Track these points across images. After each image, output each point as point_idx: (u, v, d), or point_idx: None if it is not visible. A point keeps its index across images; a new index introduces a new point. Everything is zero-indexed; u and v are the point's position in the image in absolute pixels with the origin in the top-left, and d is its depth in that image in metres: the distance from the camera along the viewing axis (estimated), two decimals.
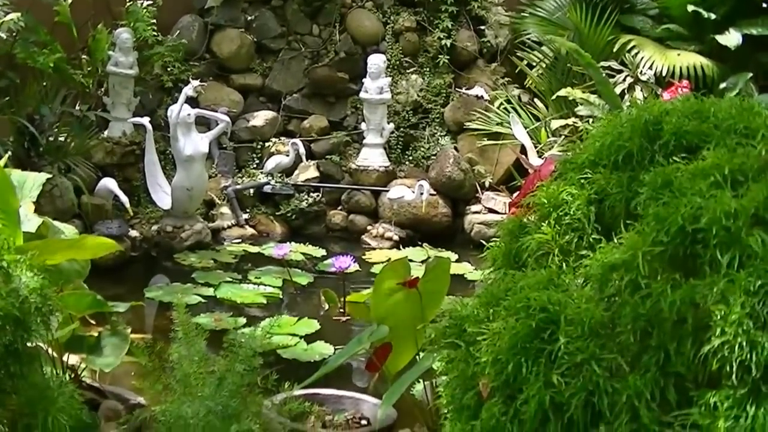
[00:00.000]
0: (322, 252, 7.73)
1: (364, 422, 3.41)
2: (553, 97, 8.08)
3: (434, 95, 8.99)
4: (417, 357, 3.18)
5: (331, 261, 6.43)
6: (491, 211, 8.37)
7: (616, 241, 2.07)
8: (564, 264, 2.26)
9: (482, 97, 8.68)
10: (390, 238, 8.17)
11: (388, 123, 8.61)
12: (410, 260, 7.59)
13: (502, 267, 2.49)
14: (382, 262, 7.49)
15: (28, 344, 2.36)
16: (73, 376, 2.99)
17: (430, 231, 8.30)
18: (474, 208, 8.46)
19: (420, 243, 8.11)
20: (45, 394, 2.36)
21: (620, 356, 1.90)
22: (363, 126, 8.62)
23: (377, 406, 3.46)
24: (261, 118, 8.80)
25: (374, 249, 8.03)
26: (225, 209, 8.09)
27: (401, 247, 8.06)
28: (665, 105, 2.35)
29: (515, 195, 3.47)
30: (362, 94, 8.54)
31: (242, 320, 5.82)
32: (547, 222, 2.37)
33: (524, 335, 1.95)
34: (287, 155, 8.35)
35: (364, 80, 8.55)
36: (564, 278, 2.15)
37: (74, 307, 2.93)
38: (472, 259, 7.79)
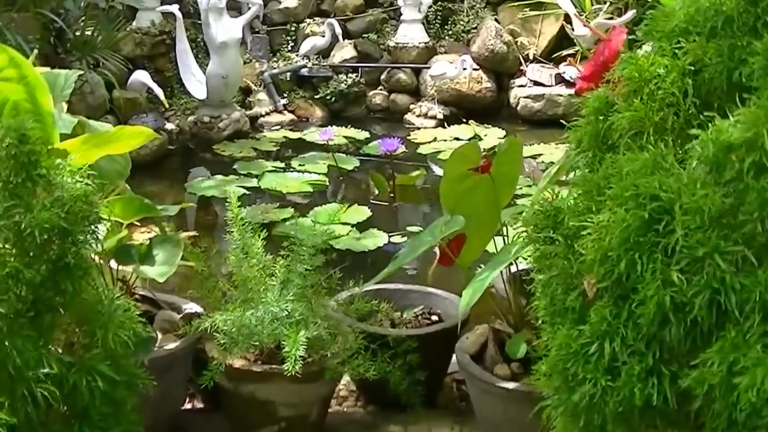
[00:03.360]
0: (365, 134, 7.51)
1: (434, 318, 3.21)
2: None
3: None
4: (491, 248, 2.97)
5: (378, 143, 6.18)
6: (537, 83, 8.07)
7: (732, 118, 1.81)
8: (664, 144, 2.01)
9: None
10: (434, 117, 7.92)
11: None
12: (457, 138, 7.44)
13: (590, 149, 2.25)
14: (428, 142, 7.29)
15: (77, 257, 2.15)
16: (125, 288, 2.80)
17: (474, 107, 8.05)
18: (519, 81, 8.17)
19: (465, 120, 7.86)
20: (101, 310, 2.17)
21: (746, 248, 1.67)
22: (400, 1, 8.28)
23: (448, 300, 3.27)
24: None
25: (418, 129, 7.80)
26: (262, 95, 7.84)
27: (446, 125, 7.81)
28: None
29: (585, 67, 3.19)
30: None
31: (289, 210, 5.61)
32: (639, 98, 2.12)
33: (636, 228, 1.72)
34: (323, 36, 8.06)
35: None
36: (667, 160, 1.90)
37: (122, 214, 2.73)
38: (521, 135, 7.55)
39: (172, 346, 2.77)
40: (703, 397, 1.65)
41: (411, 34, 8.23)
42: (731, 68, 1.96)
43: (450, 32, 8.51)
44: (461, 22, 8.51)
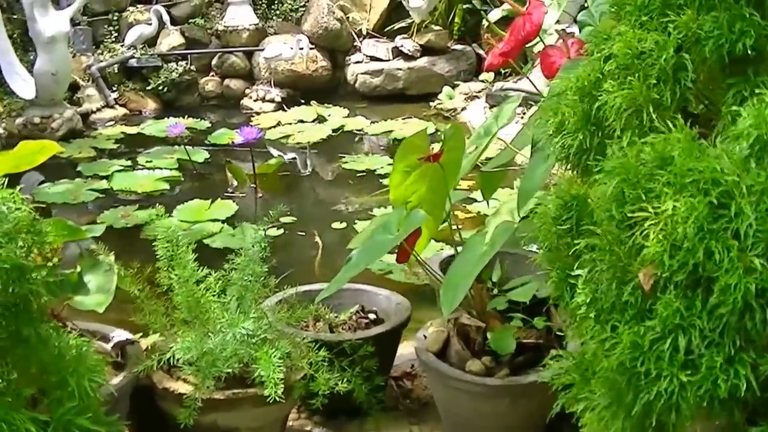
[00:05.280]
0: (206, 124, 7.22)
1: (371, 316, 3.05)
2: None
3: None
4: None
5: (236, 133, 5.93)
6: (374, 59, 7.97)
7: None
8: (672, 123, 1.91)
9: None
10: (272, 100, 7.72)
11: None
12: (301, 121, 7.26)
13: (577, 131, 2.14)
14: (273, 127, 7.08)
15: (37, 298, 1.90)
16: (58, 322, 2.52)
17: (311, 87, 7.89)
18: (355, 58, 8.06)
19: (304, 101, 7.68)
20: (68, 356, 1.92)
21: None
22: None
23: (382, 296, 3.12)
24: None
25: (257, 113, 7.58)
26: (91, 90, 7.44)
27: (285, 107, 7.61)
28: None
29: (502, 43, 3.08)
30: None
31: (153, 211, 5.30)
32: (633, 75, 2.02)
33: (706, 215, 1.61)
34: (149, 23, 7.71)
35: None
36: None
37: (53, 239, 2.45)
38: (363, 112, 7.45)
39: (115, 381, 2.50)
40: None
41: (240, 16, 7.98)
42: (732, 41, 1.88)
43: (278, 12, 8.28)
44: (288, 1, 8.30)
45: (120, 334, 2.72)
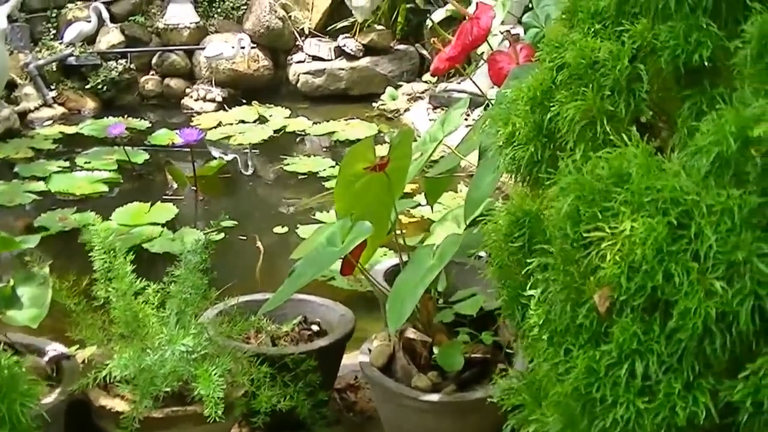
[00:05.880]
0: (146, 124, 7.08)
1: (314, 327, 2.98)
2: None
3: None
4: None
5: (176, 134, 5.81)
6: (316, 58, 7.87)
7: (735, 103, 1.68)
8: (627, 135, 1.86)
9: None
10: (213, 100, 7.60)
11: None
12: (243, 121, 7.14)
13: (529, 143, 2.09)
14: (214, 127, 6.97)
15: None
16: None
17: (252, 87, 7.78)
18: (297, 57, 7.96)
19: (245, 101, 7.56)
20: None
21: None
22: None
23: (325, 307, 3.05)
24: None
25: (198, 113, 7.44)
26: (29, 89, 7.24)
27: (226, 107, 7.49)
28: None
29: (448, 47, 3.02)
30: None
31: (90, 215, 5.16)
32: (587, 85, 1.97)
33: (665, 236, 1.55)
34: (88, 21, 7.55)
35: None
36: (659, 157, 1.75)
37: None
38: (304, 112, 7.36)
39: (50, 399, 2.40)
40: (751, 408, 1.52)
41: (180, 14, 7.84)
42: (689, 52, 1.84)
43: (219, 10, 8.15)
44: None
45: (55, 348, 2.62)
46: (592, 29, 2.08)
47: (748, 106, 1.62)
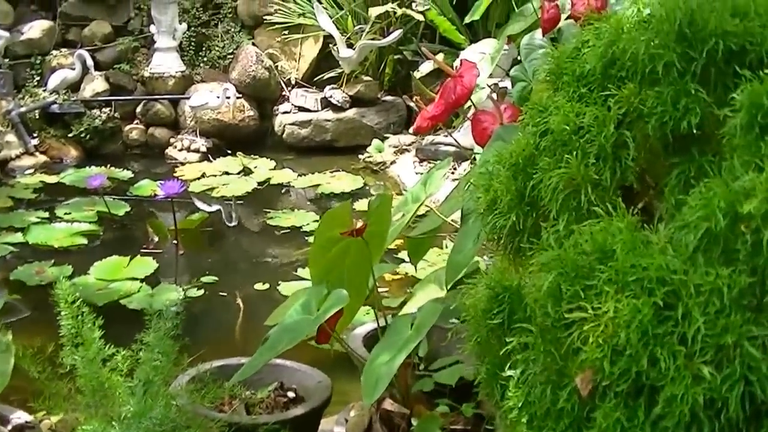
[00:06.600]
0: (128, 174, 7.00)
1: (291, 394, 2.88)
2: None
3: None
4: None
5: (158, 185, 5.73)
6: (302, 109, 7.81)
7: (724, 175, 1.60)
8: (612, 206, 1.78)
9: None
10: (197, 150, 7.52)
11: (180, 23, 7.83)
12: (227, 173, 7.06)
13: (510, 211, 2.01)
14: (197, 179, 6.89)
15: None
16: None
17: (237, 137, 7.70)
18: (283, 108, 7.89)
19: (230, 152, 7.49)
20: None
21: None
22: (152, 29, 7.81)
23: (301, 372, 2.95)
24: (36, 28, 7.80)
25: (182, 164, 7.37)
26: (10, 137, 7.16)
27: (211, 158, 7.41)
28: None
29: (432, 107, 2.95)
30: None
31: (69, 268, 5.06)
32: (571, 152, 1.90)
33: (650, 318, 1.47)
34: (72, 68, 7.50)
35: None
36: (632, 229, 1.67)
37: None
38: (290, 164, 7.29)
39: None
40: None
41: (166, 62, 7.79)
42: (677, 118, 1.77)
43: (205, 59, 8.11)
44: (216, 48, 8.13)
45: (20, 416, 2.52)
46: (577, 93, 2.01)
47: (737, 178, 1.55)
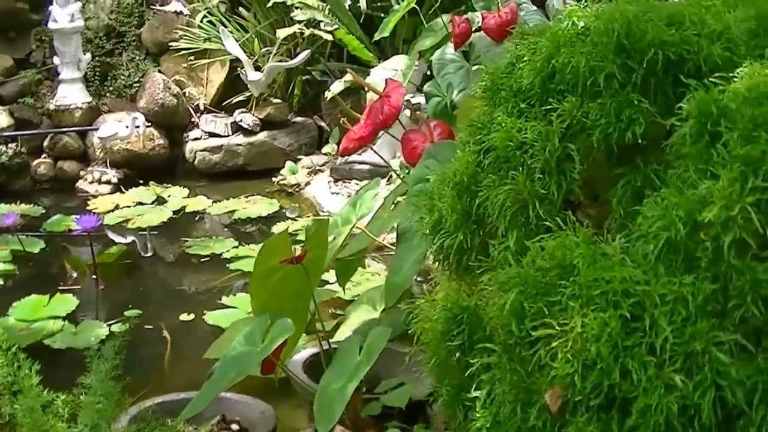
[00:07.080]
0: (40, 210, 6.84)
1: (234, 427, 2.82)
2: (269, 4, 7.41)
3: (127, 16, 8.08)
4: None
5: (73, 220, 5.61)
6: (212, 135, 7.72)
7: (676, 183, 1.62)
8: (562, 220, 1.80)
9: (181, 12, 7.94)
10: (108, 182, 7.37)
11: (84, 53, 7.70)
12: (140, 203, 6.95)
13: (457, 230, 2.00)
14: (111, 211, 6.76)
15: None
16: None
17: (148, 166, 7.55)
18: (193, 134, 7.78)
19: (142, 182, 7.37)
20: None
21: (740, 335, 1.48)
22: (56, 60, 7.64)
23: (243, 403, 2.91)
24: None
25: (94, 197, 7.20)
26: None
27: (123, 189, 7.28)
28: (624, 11, 1.88)
29: (358, 127, 2.93)
30: (51, 24, 7.49)
31: None
32: (515, 168, 1.90)
33: (619, 330, 1.48)
34: None
35: (49, 8, 7.51)
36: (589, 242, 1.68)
37: None
38: (203, 191, 7.21)
39: None
40: None
41: (72, 94, 7.63)
42: (621, 129, 1.79)
43: (111, 89, 7.97)
44: (122, 77, 7.99)
45: None
46: (517, 108, 2.01)
47: (691, 187, 1.56)
